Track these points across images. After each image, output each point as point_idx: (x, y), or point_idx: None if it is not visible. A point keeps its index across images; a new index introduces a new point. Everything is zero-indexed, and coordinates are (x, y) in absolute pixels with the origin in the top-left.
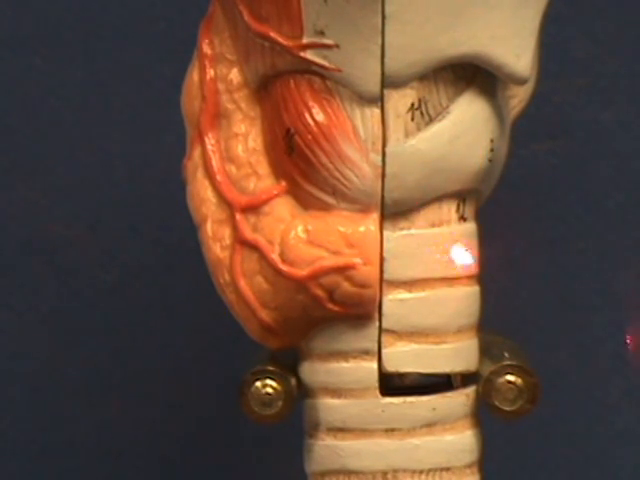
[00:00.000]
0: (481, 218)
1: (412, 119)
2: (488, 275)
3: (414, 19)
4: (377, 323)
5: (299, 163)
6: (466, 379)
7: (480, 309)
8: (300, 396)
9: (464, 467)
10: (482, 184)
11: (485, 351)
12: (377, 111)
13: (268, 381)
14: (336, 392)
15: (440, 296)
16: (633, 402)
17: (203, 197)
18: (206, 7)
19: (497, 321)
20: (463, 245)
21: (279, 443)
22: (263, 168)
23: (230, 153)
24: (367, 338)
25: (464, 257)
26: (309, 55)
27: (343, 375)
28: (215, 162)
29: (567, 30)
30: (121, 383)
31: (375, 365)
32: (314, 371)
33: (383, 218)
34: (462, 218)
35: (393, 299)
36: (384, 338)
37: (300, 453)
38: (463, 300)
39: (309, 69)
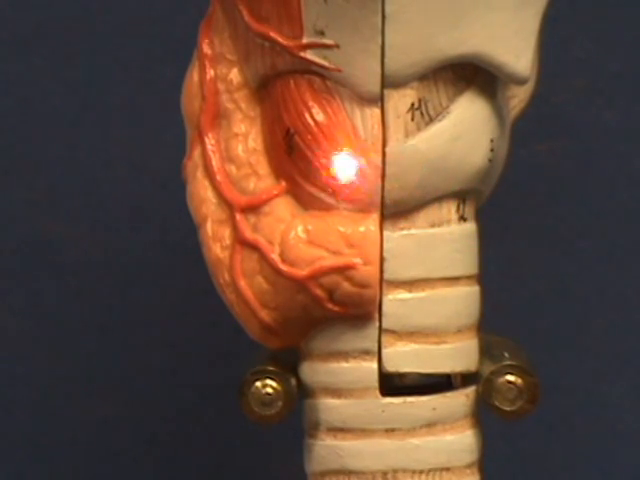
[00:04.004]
0: (481, 218)
1: (412, 119)
2: (488, 275)
3: (414, 19)
4: (377, 323)
5: (299, 163)
6: (466, 379)
7: (480, 309)
8: (300, 396)
9: (464, 467)
10: (482, 184)
11: (485, 351)
12: (377, 111)
13: (268, 381)
14: (336, 392)
15: (440, 296)
16: (633, 402)
17: (203, 197)
18: (206, 7)
19: (497, 321)
20: None
21: (279, 443)
22: (263, 168)
23: (230, 153)
24: (367, 338)
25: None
26: (309, 55)
27: (343, 375)
28: (215, 162)
29: (567, 30)
30: (121, 383)
31: (375, 365)
32: (314, 371)
33: (383, 218)
34: (462, 218)
35: (393, 299)
36: (384, 338)
37: (300, 453)
38: (463, 300)
39: (309, 69)
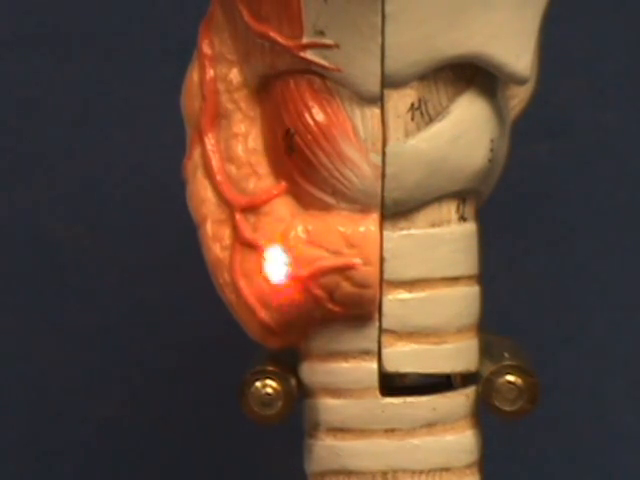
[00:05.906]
0: (481, 218)
1: (412, 119)
2: (488, 275)
3: (414, 19)
4: (377, 323)
5: (299, 163)
6: (466, 379)
7: (480, 309)
8: (300, 396)
9: (464, 467)
10: (482, 184)
11: (485, 351)
12: (377, 111)
13: (268, 381)
14: (336, 392)
15: (440, 296)
16: (633, 402)
17: (203, 197)
18: (206, 7)
19: (497, 321)
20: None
21: (279, 443)
22: (263, 168)
23: (230, 153)
24: (367, 338)
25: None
26: (309, 55)
27: (343, 375)
28: (215, 162)
29: (567, 30)
30: (121, 383)
31: (375, 365)
32: (314, 371)
33: (383, 218)
34: (462, 218)
35: (393, 299)
36: (384, 338)
37: (300, 453)
38: (463, 300)
39: (309, 69)
